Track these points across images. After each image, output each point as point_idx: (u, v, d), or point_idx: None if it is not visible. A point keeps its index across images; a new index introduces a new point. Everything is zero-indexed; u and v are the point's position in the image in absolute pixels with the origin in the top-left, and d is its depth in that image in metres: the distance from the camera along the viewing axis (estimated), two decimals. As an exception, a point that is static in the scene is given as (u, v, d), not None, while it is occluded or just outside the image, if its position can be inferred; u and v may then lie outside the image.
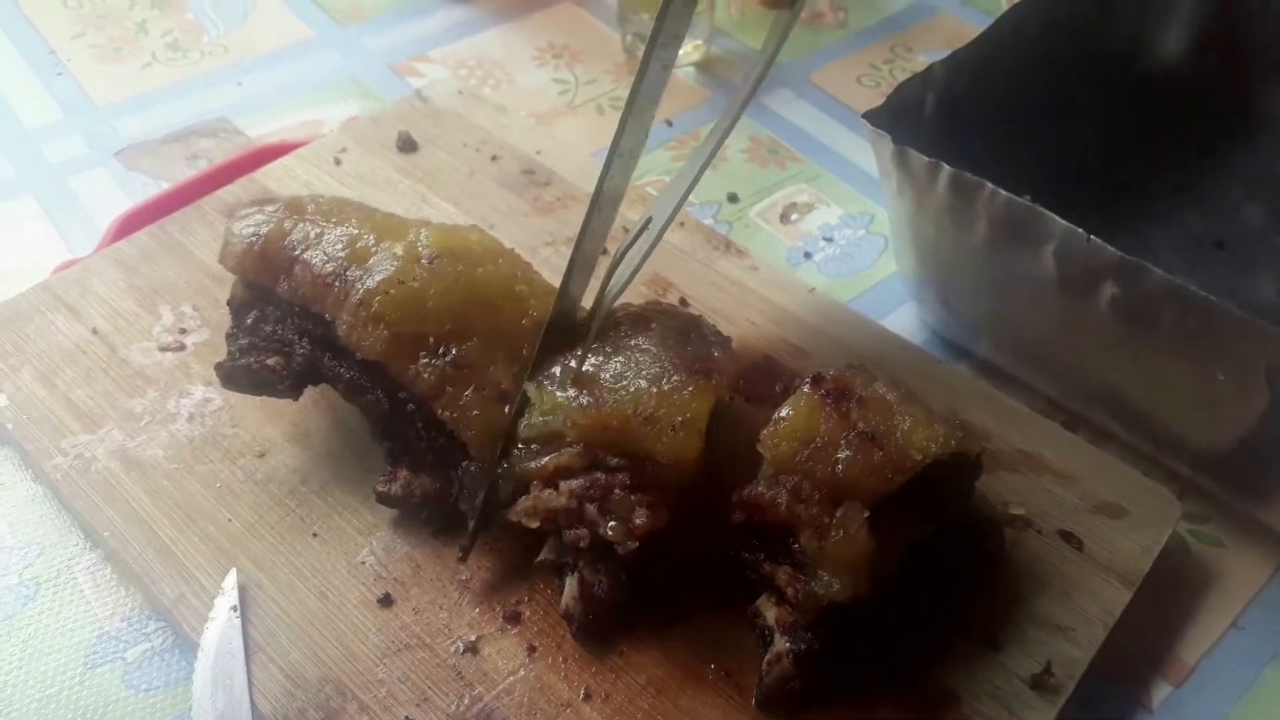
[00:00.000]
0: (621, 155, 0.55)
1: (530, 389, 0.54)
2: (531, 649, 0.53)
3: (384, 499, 0.56)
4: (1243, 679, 0.57)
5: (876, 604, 0.50)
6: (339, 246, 0.57)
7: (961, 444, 0.53)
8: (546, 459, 0.52)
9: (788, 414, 0.52)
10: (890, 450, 0.51)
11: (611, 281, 0.56)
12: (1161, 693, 0.56)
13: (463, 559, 0.55)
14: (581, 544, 0.50)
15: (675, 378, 0.53)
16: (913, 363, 0.67)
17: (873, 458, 0.51)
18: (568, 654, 0.53)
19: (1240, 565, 0.61)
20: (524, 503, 0.52)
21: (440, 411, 0.54)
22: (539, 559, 0.53)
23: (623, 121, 0.54)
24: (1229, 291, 0.54)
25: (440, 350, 0.55)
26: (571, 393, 0.53)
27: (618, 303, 0.58)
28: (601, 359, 0.54)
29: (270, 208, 0.59)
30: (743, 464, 0.54)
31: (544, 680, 0.52)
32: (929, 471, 0.52)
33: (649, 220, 0.56)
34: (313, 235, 0.58)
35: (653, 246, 0.55)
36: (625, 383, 0.53)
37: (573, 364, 0.54)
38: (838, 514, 0.50)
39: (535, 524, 0.52)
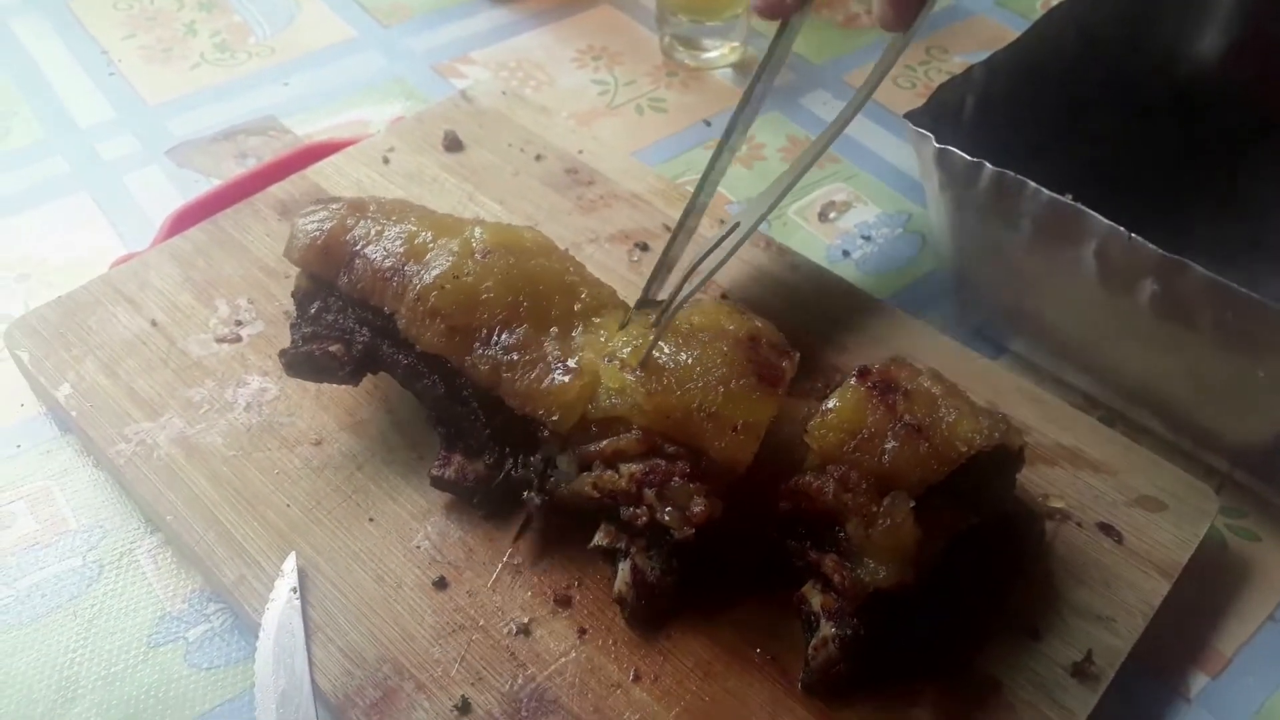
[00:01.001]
0: (712, 173, 0.63)
1: (603, 364, 0.55)
2: (582, 631, 0.54)
3: (438, 483, 0.58)
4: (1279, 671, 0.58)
5: (920, 592, 0.51)
6: (397, 243, 0.59)
7: (1005, 437, 0.54)
8: (606, 442, 0.53)
9: (835, 405, 0.54)
10: (936, 442, 0.52)
11: (688, 280, 0.58)
12: (1199, 683, 0.57)
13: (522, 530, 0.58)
14: (639, 521, 0.52)
15: (744, 381, 0.54)
16: (952, 357, 0.68)
17: (919, 449, 0.52)
18: (617, 636, 0.54)
19: (1277, 559, 0.62)
20: (586, 477, 0.54)
21: (506, 399, 0.55)
22: (592, 544, 0.55)
23: (720, 145, 0.62)
24: (1265, 290, 0.55)
25: (493, 339, 0.56)
26: (640, 374, 0.54)
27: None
28: (672, 349, 0.55)
29: (334, 205, 0.61)
30: (784, 455, 0.55)
31: (594, 661, 0.53)
32: (972, 463, 0.53)
33: (735, 225, 0.58)
34: (373, 232, 0.59)
35: (733, 251, 0.56)
36: (694, 376, 0.54)
37: (643, 346, 0.56)
38: (885, 503, 0.51)
39: (595, 495, 0.53)
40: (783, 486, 0.53)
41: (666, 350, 0.55)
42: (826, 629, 0.51)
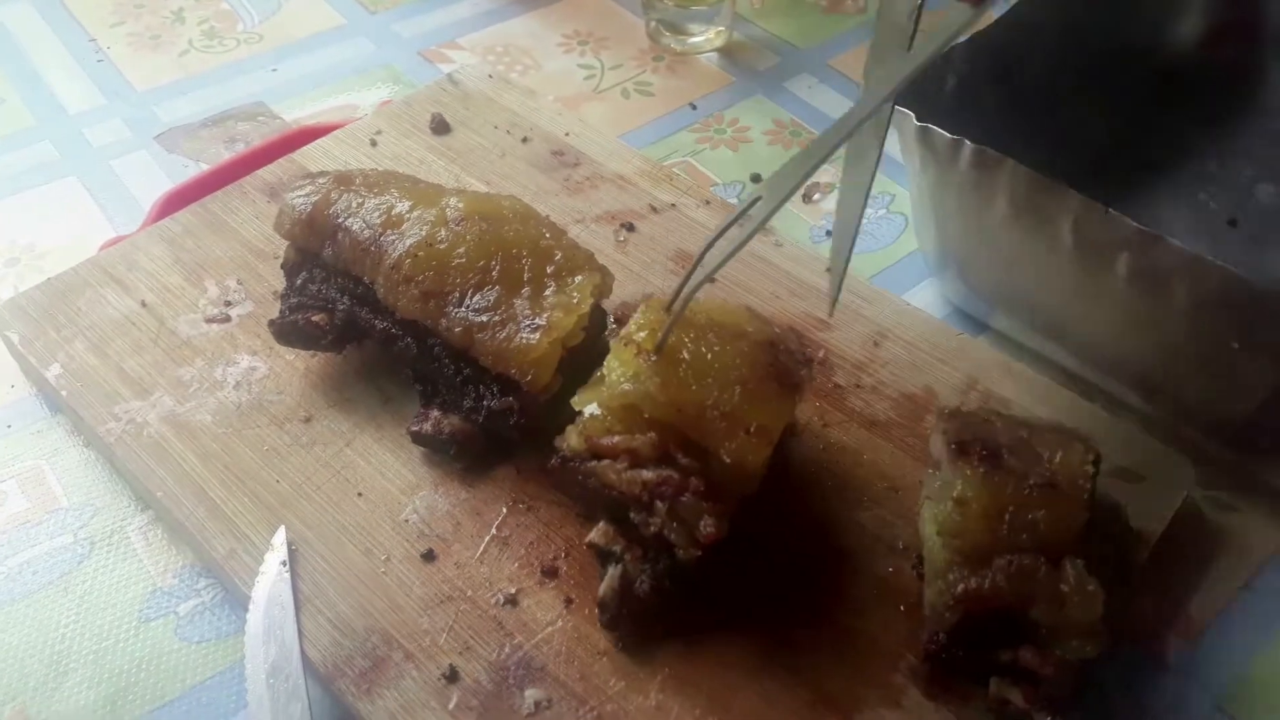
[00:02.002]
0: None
1: (619, 346, 0.54)
2: (568, 601, 0.55)
3: (417, 438, 0.59)
4: (1256, 637, 0.59)
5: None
6: (376, 215, 0.60)
7: (1088, 445, 0.54)
8: (618, 438, 0.52)
9: (966, 494, 0.51)
10: (1063, 486, 0.51)
11: (700, 266, 0.53)
12: (1177, 650, 0.58)
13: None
14: (648, 530, 0.51)
15: (762, 383, 0.53)
16: (934, 334, 0.69)
17: (1059, 501, 0.50)
18: (604, 606, 0.55)
19: (1253, 529, 0.63)
20: (609, 465, 0.52)
21: (480, 359, 0.57)
22: (588, 540, 0.54)
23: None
24: (1241, 268, 0.55)
25: (465, 302, 0.57)
26: (654, 360, 0.52)
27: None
28: (691, 342, 0.54)
29: (320, 180, 0.62)
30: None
31: (580, 630, 0.54)
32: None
33: (757, 199, 0.51)
34: (354, 204, 0.61)
35: (750, 236, 0.51)
36: (712, 372, 0.52)
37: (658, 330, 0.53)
38: (1069, 577, 0.48)
39: (614, 484, 0.52)
40: (945, 599, 0.50)
41: (686, 341, 0.53)
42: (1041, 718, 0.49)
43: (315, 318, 0.61)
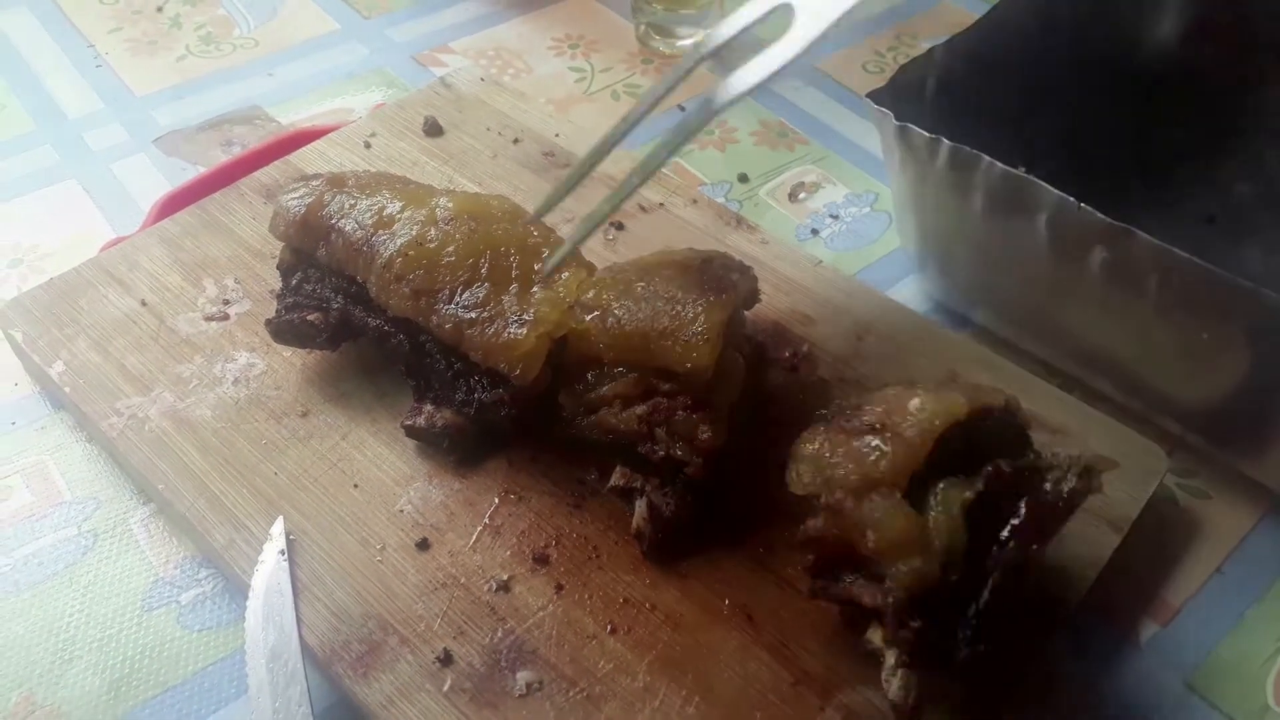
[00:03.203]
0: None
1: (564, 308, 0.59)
2: (559, 587, 0.57)
3: (410, 431, 0.61)
4: (1225, 620, 0.61)
5: (966, 581, 0.50)
6: (368, 215, 0.62)
7: (976, 401, 0.53)
8: (606, 387, 0.58)
9: (801, 448, 0.53)
10: (903, 432, 0.51)
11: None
12: (1149, 631, 0.60)
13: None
14: (656, 456, 0.56)
15: (689, 296, 0.58)
16: (916, 329, 0.70)
17: (884, 445, 0.51)
18: (593, 592, 0.57)
19: (1225, 516, 0.65)
20: (606, 412, 0.58)
21: (470, 355, 0.59)
22: (609, 485, 0.59)
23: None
24: (1218, 263, 0.57)
25: (455, 299, 0.59)
26: (596, 316, 0.58)
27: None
28: (623, 288, 0.59)
29: (314, 182, 0.64)
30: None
31: (571, 615, 0.56)
32: (966, 439, 0.52)
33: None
34: (347, 206, 0.63)
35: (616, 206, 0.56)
36: (645, 302, 0.58)
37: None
38: (866, 506, 0.50)
39: (607, 438, 0.58)
40: (798, 539, 0.53)
41: (616, 288, 0.59)
42: (889, 658, 0.50)
43: (310, 317, 0.62)
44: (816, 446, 0.53)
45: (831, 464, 0.52)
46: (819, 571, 0.53)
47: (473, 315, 0.59)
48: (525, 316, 0.58)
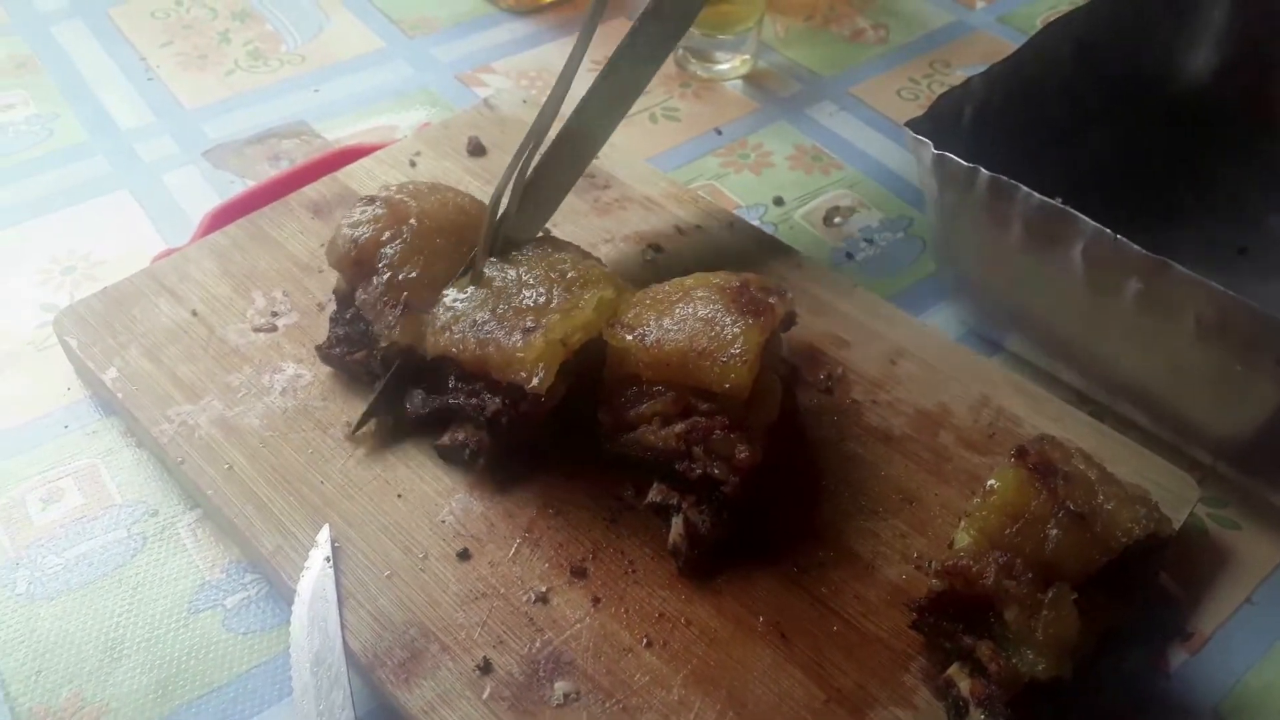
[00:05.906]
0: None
1: (608, 332, 0.62)
2: (596, 600, 0.58)
3: (442, 451, 0.64)
4: (1255, 650, 0.61)
5: (1072, 684, 0.51)
6: (411, 272, 0.65)
7: (1157, 525, 0.54)
8: (645, 405, 0.59)
9: (996, 485, 0.53)
10: (1097, 531, 0.52)
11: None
12: (1179, 659, 0.60)
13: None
14: (693, 475, 0.58)
15: (728, 318, 0.59)
16: (949, 354, 0.71)
17: (1082, 538, 0.52)
18: (629, 605, 0.58)
19: (1255, 546, 0.66)
20: (634, 435, 0.60)
21: (493, 374, 0.61)
22: (647, 501, 0.60)
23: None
24: (1249, 292, 0.58)
25: (476, 325, 0.63)
26: (637, 335, 0.60)
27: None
28: (663, 310, 0.61)
29: (375, 207, 0.66)
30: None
31: (608, 628, 0.57)
32: (1125, 553, 0.53)
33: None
34: (398, 259, 0.65)
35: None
36: (684, 323, 0.60)
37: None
38: (1049, 594, 0.50)
39: (645, 455, 0.60)
40: (936, 566, 0.54)
41: (658, 309, 0.61)
42: (976, 715, 0.51)
43: (356, 355, 0.65)
44: (1019, 498, 0.52)
45: (1028, 527, 0.52)
46: (930, 608, 0.54)
47: (490, 330, 0.61)
48: (528, 323, 0.60)
